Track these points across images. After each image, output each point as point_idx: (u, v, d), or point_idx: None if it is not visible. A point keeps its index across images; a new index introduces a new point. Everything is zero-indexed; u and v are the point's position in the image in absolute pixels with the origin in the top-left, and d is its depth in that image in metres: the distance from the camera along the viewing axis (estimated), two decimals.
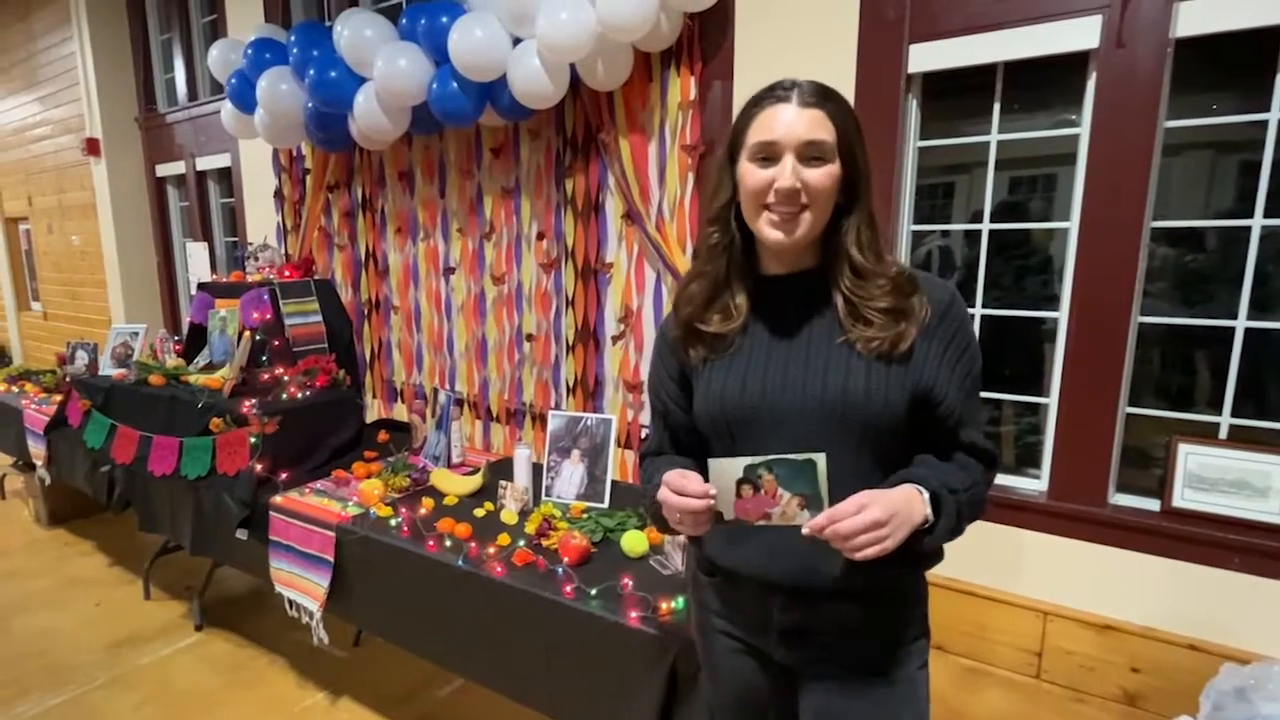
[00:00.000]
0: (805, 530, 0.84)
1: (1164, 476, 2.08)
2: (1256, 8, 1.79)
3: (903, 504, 0.85)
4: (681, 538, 1.57)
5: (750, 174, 0.91)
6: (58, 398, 3.19)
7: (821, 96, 0.90)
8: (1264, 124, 1.90)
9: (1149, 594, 2.08)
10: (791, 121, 0.88)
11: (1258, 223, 1.93)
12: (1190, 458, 2.05)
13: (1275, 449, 1.96)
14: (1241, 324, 1.98)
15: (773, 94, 0.92)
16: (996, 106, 2.20)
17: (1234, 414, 2.03)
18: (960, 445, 0.96)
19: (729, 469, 0.88)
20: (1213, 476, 2.03)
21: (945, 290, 0.95)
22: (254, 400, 2.27)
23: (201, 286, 2.99)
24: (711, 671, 1.14)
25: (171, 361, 2.79)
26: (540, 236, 3.08)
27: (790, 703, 1.04)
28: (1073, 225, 2.09)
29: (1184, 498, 2.06)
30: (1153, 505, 2.11)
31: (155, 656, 2.42)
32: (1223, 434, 2.05)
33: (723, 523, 0.90)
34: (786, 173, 0.88)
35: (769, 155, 0.90)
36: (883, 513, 0.82)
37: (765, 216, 0.91)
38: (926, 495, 0.88)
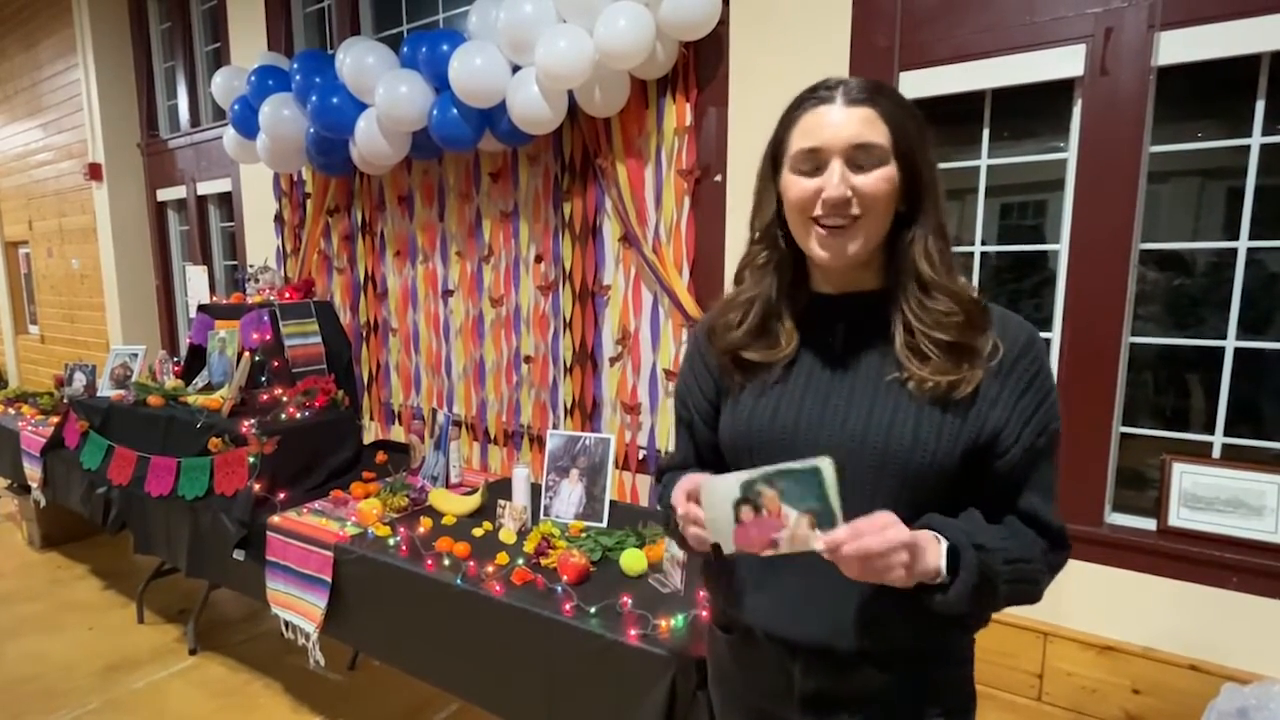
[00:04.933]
0: (819, 548, 0.72)
1: (1159, 496, 2.09)
2: (1234, 37, 1.84)
3: (922, 543, 0.74)
4: (680, 556, 1.58)
5: (794, 185, 0.82)
6: (54, 419, 3.19)
7: (871, 92, 0.79)
8: (1247, 152, 1.94)
9: (1149, 614, 2.08)
10: (837, 124, 0.78)
11: (1243, 245, 1.97)
12: (1185, 477, 2.06)
13: (1269, 468, 1.97)
14: (1231, 344, 2.01)
15: (815, 94, 0.81)
16: (985, 133, 2.25)
17: (1227, 433, 2.05)
18: (1016, 511, 0.82)
19: (723, 489, 0.76)
20: (1208, 495, 2.04)
21: (1023, 329, 0.83)
22: (252, 420, 2.28)
23: (202, 308, 3.01)
24: None
25: (170, 382, 2.80)
26: (538, 259, 3.11)
27: None
28: (1063, 248, 2.13)
29: (1180, 517, 2.06)
30: (1149, 525, 2.12)
31: (149, 681, 2.39)
32: (1216, 453, 2.07)
33: (722, 557, 0.78)
34: (834, 181, 0.78)
35: (814, 163, 0.80)
36: (910, 537, 0.71)
37: (814, 232, 0.81)
38: (944, 546, 0.76)
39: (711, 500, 0.78)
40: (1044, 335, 2.19)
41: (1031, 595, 0.83)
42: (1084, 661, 2.16)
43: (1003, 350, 0.80)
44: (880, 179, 0.79)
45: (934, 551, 0.75)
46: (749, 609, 0.92)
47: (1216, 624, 2.00)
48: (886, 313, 0.84)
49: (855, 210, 0.79)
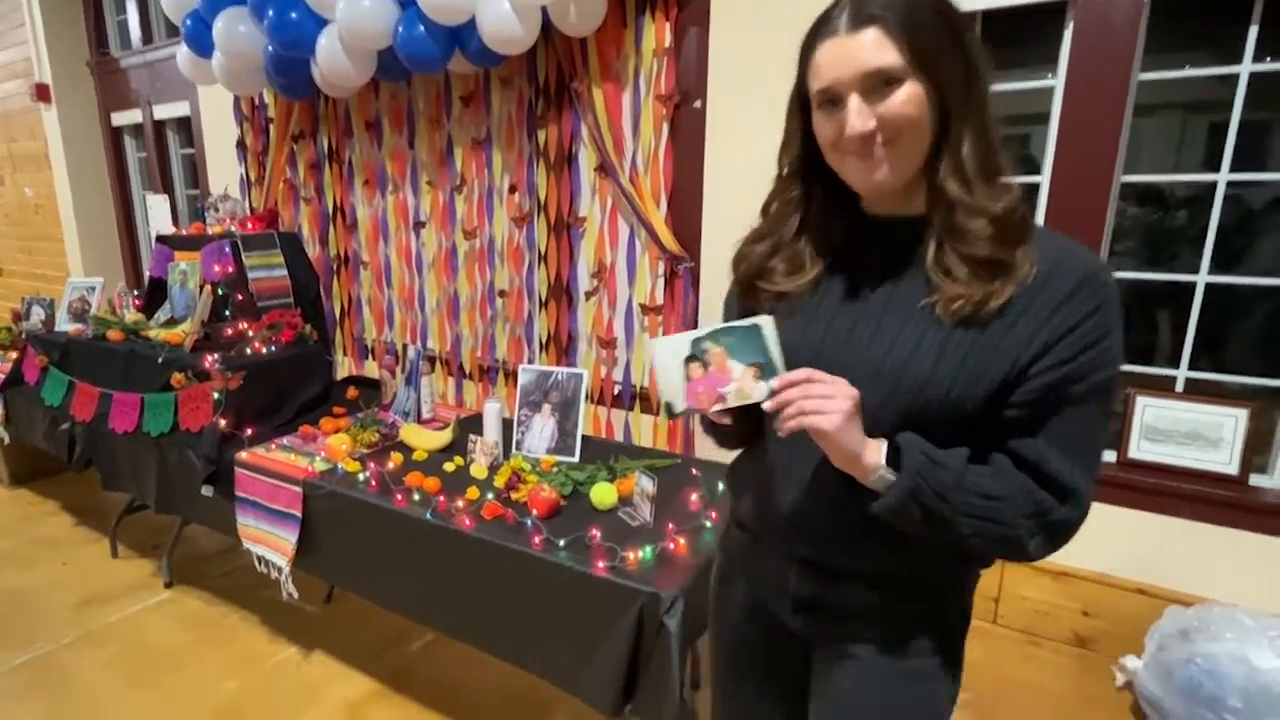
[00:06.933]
0: (763, 397, 0.77)
1: (1120, 429, 2.13)
2: None
3: (860, 436, 0.76)
4: (649, 489, 1.59)
5: (821, 124, 0.79)
6: (13, 355, 3.09)
7: (875, 6, 0.72)
8: (1232, 86, 1.90)
9: (1104, 541, 2.15)
10: (843, 57, 0.73)
11: (1224, 177, 1.95)
12: (1147, 410, 2.10)
13: (1228, 401, 2.01)
14: (1203, 279, 2.01)
15: (820, 31, 0.77)
16: None
17: (1191, 367, 2.08)
18: (1019, 454, 0.76)
19: (675, 347, 0.80)
20: (1168, 428, 2.08)
21: (1088, 263, 0.74)
22: (216, 355, 2.22)
23: (160, 239, 2.90)
24: (717, 624, 1.09)
25: (131, 316, 2.72)
26: (512, 189, 3.01)
27: (793, 672, 0.99)
28: (1044, 180, 2.09)
29: (1140, 449, 2.11)
30: (1109, 457, 2.17)
31: (124, 614, 2.40)
32: (1179, 387, 2.10)
33: (674, 416, 0.82)
34: (853, 117, 0.74)
35: (832, 100, 0.76)
36: (856, 399, 0.74)
37: (847, 163, 0.79)
38: (884, 446, 0.77)
39: (663, 360, 0.81)
40: None
41: (1010, 544, 0.77)
42: (1039, 586, 2.24)
43: (1039, 271, 0.74)
44: (902, 102, 0.73)
45: (874, 447, 0.76)
46: (757, 513, 0.95)
47: (1166, 550, 2.07)
48: (925, 235, 0.79)
49: (881, 140, 0.75)
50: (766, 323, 0.78)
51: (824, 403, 0.74)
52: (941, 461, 0.75)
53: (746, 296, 0.92)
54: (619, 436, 2.88)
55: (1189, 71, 1.96)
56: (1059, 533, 0.77)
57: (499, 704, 1.96)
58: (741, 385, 0.79)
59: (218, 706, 1.98)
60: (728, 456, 1.06)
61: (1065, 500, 0.75)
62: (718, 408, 0.80)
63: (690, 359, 0.80)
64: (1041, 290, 0.73)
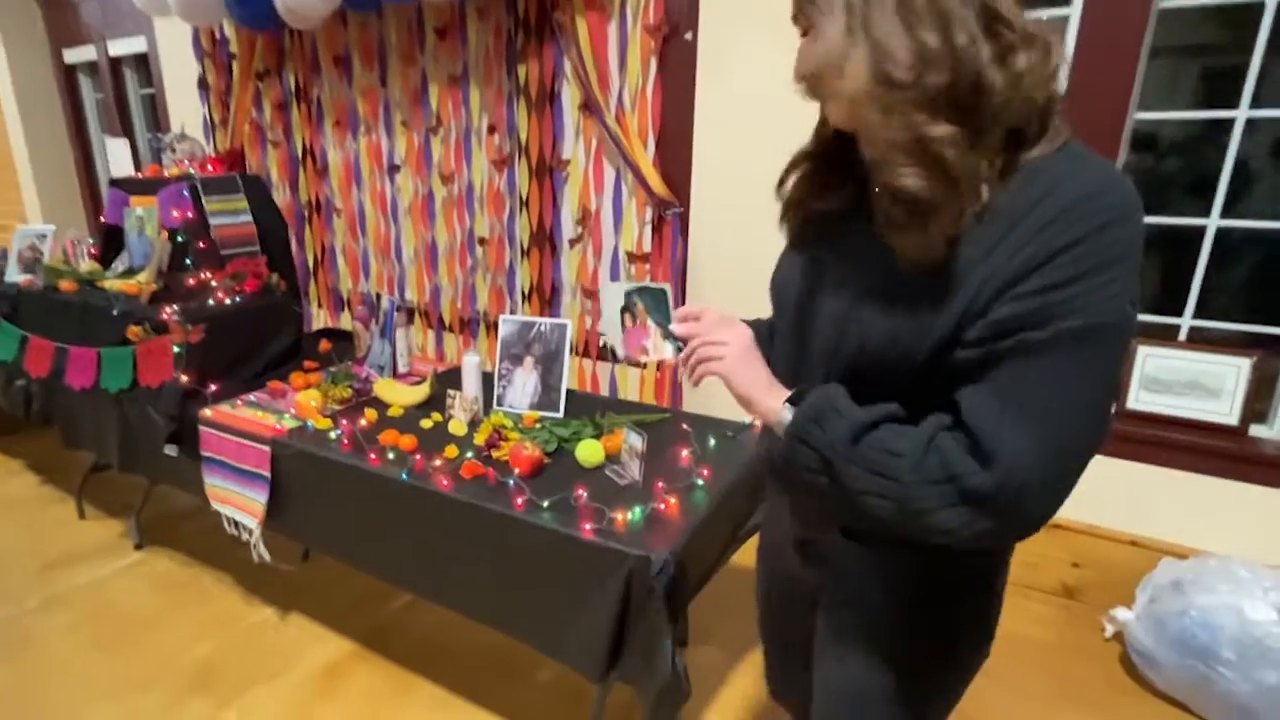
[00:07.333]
0: (670, 353, 0.87)
1: (1120, 379, 2.07)
2: None
3: (764, 371, 0.79)
4: (638, 446, 1.51)
5: None
6: None
7: None
8: (1231, 27, 1.79)
9: (1097, 492, 2.10)
10: None
11: (1243, 114, 1.84)
12: (1149, 360, 2.04)
13: (1230, 350, 1.95)
14: (1214, 223, 1.93)
15: None
16: None
17: (1195, 315, 2.02)
18: (954, 409, 0.65)
19: (614, 296, 0.89)
20: (1168, 379, 2.03)
21: (1086, 184, 0.59)
22: (175, 306, 2.09)
23: (114, 183, 2.72)
24: (757, 567, 1.07)
25: (86, 265, 2.56)
26: (491, 130, 2.85)
27: (812, 621, 0.94)
28: None
29: (1139, 400, 2.06)
30: None
31: (92, 577, 2.31)
32: (1183, 336, 2.04)
33: (615, 360, 0.87)
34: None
35: None
36: (750, 338, 0.80)
37: None
38: (785, 393, 0.76)
39: (609, 306, 0.89)
40: None
41: (914, 511, 0.64)
42: (1030, 538, 2.21)
43: (1018, 203, 0.61)
44: (807, 43, 0.71)
45: (773, 393, 0.77)
46: (765, 452, 0.91)
47: (1161, 501, 2.04)
48: None
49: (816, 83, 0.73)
50: (668, 288, 0.89)
51: (714, 348, 0.80)
52: (844, 411, 0.69)
53: (785, 221, 0.88)
54: (605, 391, 2.79)
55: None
56: (981, 506, 0.62)
57: (481, 665, 1.92)
58: (655, 342, 0.88)
59: (193, 669, 1.91)
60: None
61: (986, 465, 0.61)
62: (643, 359, 0.89)
63: (625, 309, 0.89)
64: (1020, 223, 0.60)
